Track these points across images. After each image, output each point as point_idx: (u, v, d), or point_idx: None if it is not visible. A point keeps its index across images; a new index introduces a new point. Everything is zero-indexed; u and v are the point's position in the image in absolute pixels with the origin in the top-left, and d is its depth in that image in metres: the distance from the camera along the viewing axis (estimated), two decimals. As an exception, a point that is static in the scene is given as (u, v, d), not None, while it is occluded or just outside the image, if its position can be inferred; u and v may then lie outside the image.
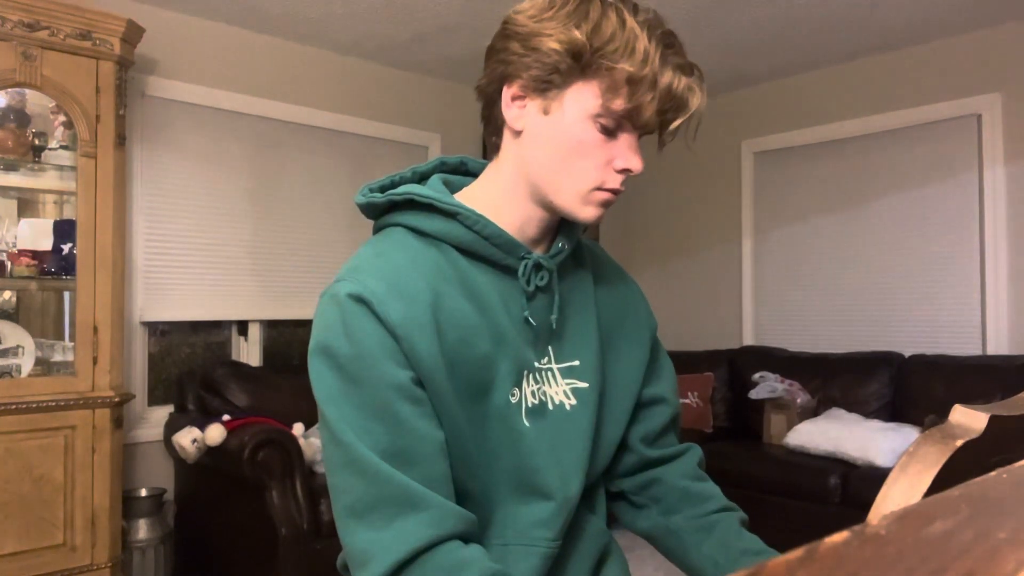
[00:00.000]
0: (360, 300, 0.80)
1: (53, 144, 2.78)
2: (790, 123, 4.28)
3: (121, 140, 2.74)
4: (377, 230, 0.92)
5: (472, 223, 0.84)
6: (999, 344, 3.50)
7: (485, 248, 0.85)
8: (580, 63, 0.78)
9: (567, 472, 0.88)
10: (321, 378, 0.81)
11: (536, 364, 0.88)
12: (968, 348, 3.59)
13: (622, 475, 1.01)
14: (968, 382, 3.31)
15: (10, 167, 2.75)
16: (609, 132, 0.80)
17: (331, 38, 3.66)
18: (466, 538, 0.80)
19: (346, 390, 0.79)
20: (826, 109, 4.12)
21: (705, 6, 3.29)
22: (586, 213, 0.84)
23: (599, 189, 0.83)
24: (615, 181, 0.83)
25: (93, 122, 2.64)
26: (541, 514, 0.86)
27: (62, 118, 2.75)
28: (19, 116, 2.73)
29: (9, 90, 2.64)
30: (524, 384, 0.87)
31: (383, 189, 0.92)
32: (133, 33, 2.75)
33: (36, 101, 2.75)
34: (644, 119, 0.79)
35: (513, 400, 0.86)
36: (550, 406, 0.89)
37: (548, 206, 0.86)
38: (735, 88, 4.50)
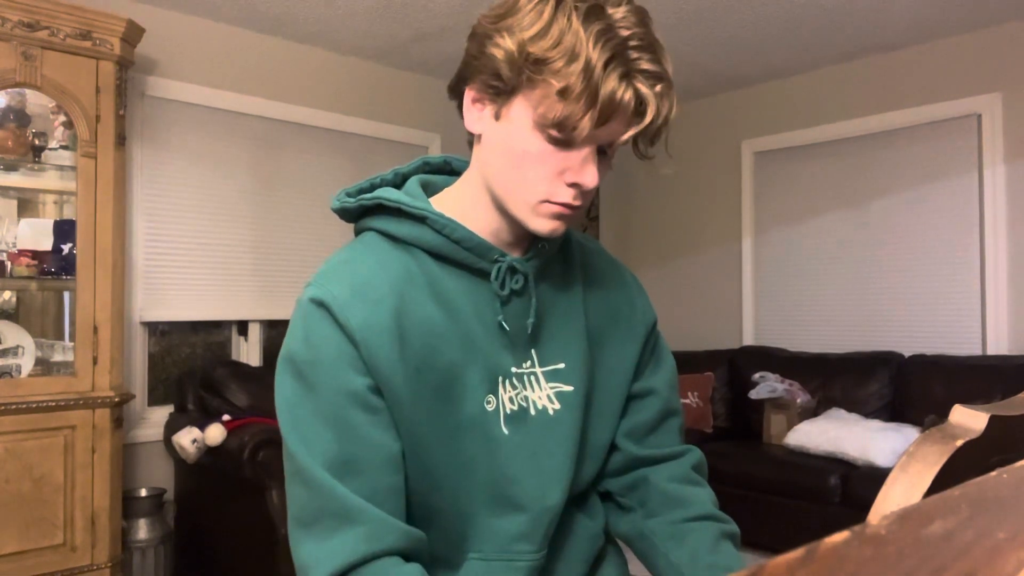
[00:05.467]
0: (321, 305, 0.79)
1: (53, 144, 2.78)
2: (790, 123, 4.28)
3: (121, 140, 2.74)
4: (356, 234, 0.91)
5: (440, 227, 0.82)
6: (999, 344, 3.50)
7: (456, 252, 0.83)
8: (516, 72, 0.74)
9: (546, 480, 0.85)
10: (281, 385, 0.81)
11: (515, 369, 0.86)
12: (968, 348, 3.59)
13: (609, 475, 0.97)
14: (968, 382, 3.31)
15: (10, 167, 2.75)
16: (560, 143, 0.76)
17: (331, 38, 3.66)
18: (408, 555, 0.79)
19: (302, 397, 0.79)
20: (826, 109, 4.12)
21: (705, 6, 3.29)
22: (538, 225, 0.80)
23: (548, 202, 0.78)
24: (565, 195, 0.78)
25: (93, 122, 2.64)
26: (519, 527, 0.84)
27: (62, 118, 2.75)
28: (19, 116, 2.73)
29: (9, 90, 2.63)
30: (501, 390, 0.84)
31: (361, 192, 0.91)
32: (133, 33, 2.75)
33: (36, 101, 2.75)
34: (580, 132, 0.74)
35: (489, 408, 0.83)
36: (532, 411, 0.86)
37: (507, 215, 0.83)
38: (735, 88, 4.50)
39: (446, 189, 0.90)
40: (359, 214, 0.90)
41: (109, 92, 2.68)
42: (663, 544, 0.91)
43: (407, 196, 0.85)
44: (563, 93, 0.72)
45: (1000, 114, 3.54)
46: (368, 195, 0.87)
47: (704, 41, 3.71)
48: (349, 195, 0.90)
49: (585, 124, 0.74)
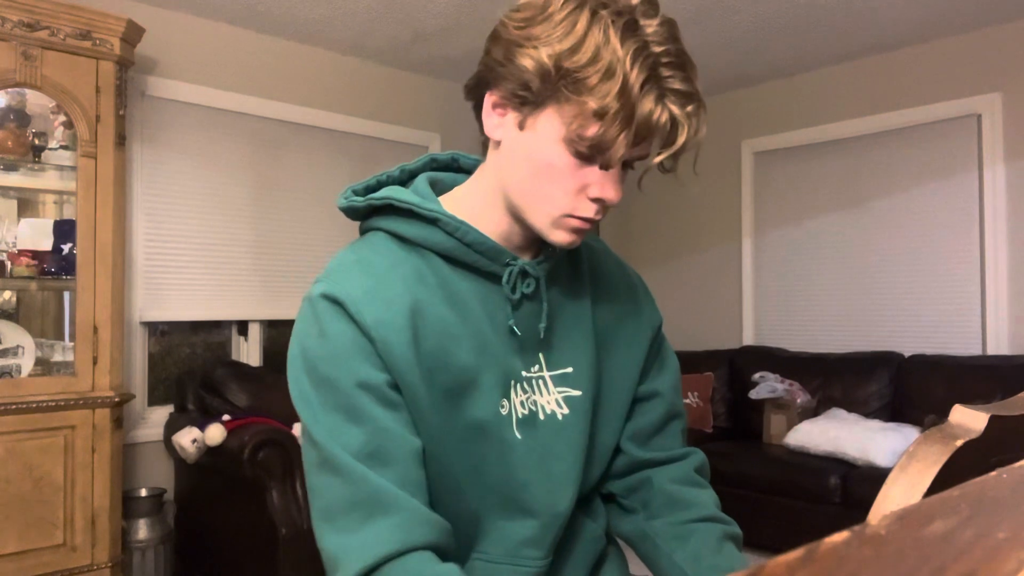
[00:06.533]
0: (335, 301, 0.78)
1: (53, 144, 2.78)
2: (790, 123, 4.28)
3: (121, 140, 2.74)
4: (362, 232, 0.90)
5: (453, 230, 0.81)
6: (999, 344, 3.50)
7: (468, 255, 0.82)
8: (548, 86, 0.72)
9: (556, 486, 0.85)
10: (297, 380, 0.80)
11: (524, 373, 0.85)
12: (968, 348, 3.59)
13: (612, 477, 0.97)
14: (968, 382, 3.31)
15: (10, 167, 2.75)
16: (584, 158, 0.74)
17: (331, 38, 3.66)
18: (441, 550, 0.77)
19: (319, 392, 0.78)
20: (826, 109, 4.12)
21: (705, 6, 3.29)
22: (557, 237, 0.79)
23: (570, 216, 0.77)
24: (588, 210, 0.77)
25: (93, 122, 2.64)
26: (528, 532, 0.84)
27: (62, 118, 2.75)
28: (19, 116, 2.73)
29: (9, 90, 2.63)
30: (512, 394, 0.83)
31: (368, 189, 0.89)
32: (133, 33, 2.75)
33: (36, 101, 2.75)
34: (615, 153, 0.73)
35: (503, 412, 0.83)
36: (541, 416, 0.85)
37: (523, 222, 0.82)
38: (735, 88, 4.50)
39: (456, 188, 0.89)
40: (366, 213, 0.88)
41: (109, 92, 2.68)
42: (666, 545, 0.90)
43: (417, 196, 0.84)
44: (599, 114, 0.70)
45: (1000, 114, 3.54)
46: (377, 194, 0.86)
47: (704, 41, 3.71)
48: (356, 193, 0.89)
49: (620, 144, 0.72)
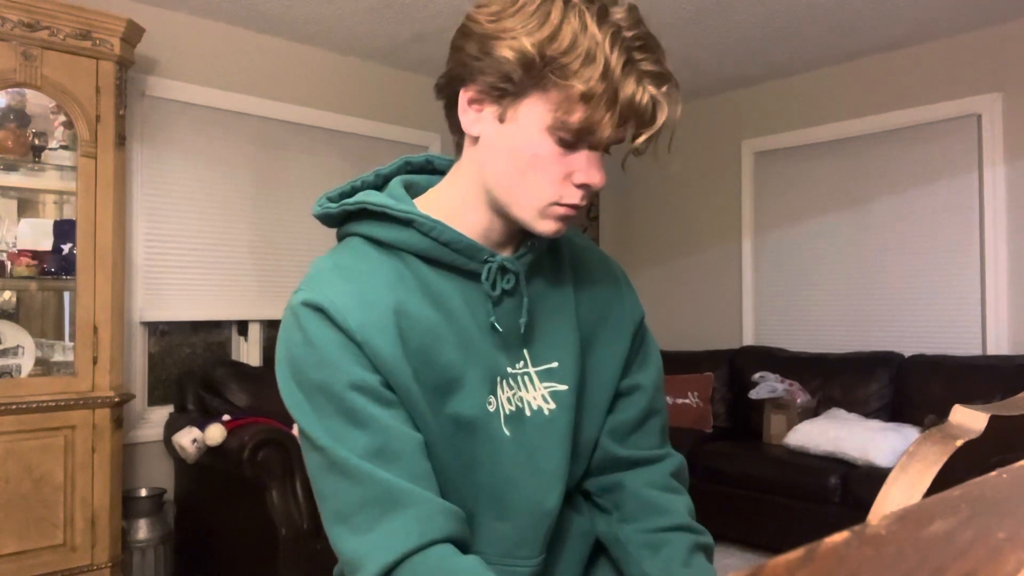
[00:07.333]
0: (317, 308, 0.78)
1: (53, 144, 2.78)
2: (790, 123, 4.28)
3: (121, 140, 2.74)
4: (339, 239, 0.90)
5: (428, 230, 0.81)
6: (999, 344, 3.50)
7: (446, 254, 0.82)
8: (532, 74, 0.73)
9: (545, 483, 0.85)
10: (289, 389, 0.80)
11: (510, 369, 0.85)
12: (968, 348, 3.58)
13: (589, 473, 0.96)
14: (968, 382, 3.31)
15: (10, 167, 2.75)
16: (568, 145, 0.75)
17: (331, 38, 3.66)
18: (460, 541, 0.77)
19: (314, 399, 0.77)
20: (826, 109, 4.12)
21: (705, 6, 3.29)
22: (544, 227, 0.80)
23: (557, 204, 0.78)
24: (574, 196, 0.78)
25: (93, 122, 2.64)
26: (520, 531, 0.84)
27: (62, 118, 2.75)
28: (19, 116, 2.73)
29: (9, 90, 2.63)
30: (499, 391, 0.84)
31: (343, 195, 0.89)
32: (133, 33, 2.75)
33: (36, 101, 2.75)
34: (601, 136, 0.74)
35: (491, 408, 0.83)
36: (527, 412, 0.85)
37: (506, 216, 0.82)
38: (735, 88, 4.50)
39: (431, 189, 0.88)
40: (342, 219, 0.88)
41: (109, 92, 2.68)
42: (637, 552, 0.90)
43: (391, 199, 0.84)
44: (586, 97, 0.71)
45: (1000, 114, 3.54)
46: (350, 199, 0.85)
47: (704, 41, 3.71)
48: (331, 200, 0.89)
49: (606, 126, 0.73)
